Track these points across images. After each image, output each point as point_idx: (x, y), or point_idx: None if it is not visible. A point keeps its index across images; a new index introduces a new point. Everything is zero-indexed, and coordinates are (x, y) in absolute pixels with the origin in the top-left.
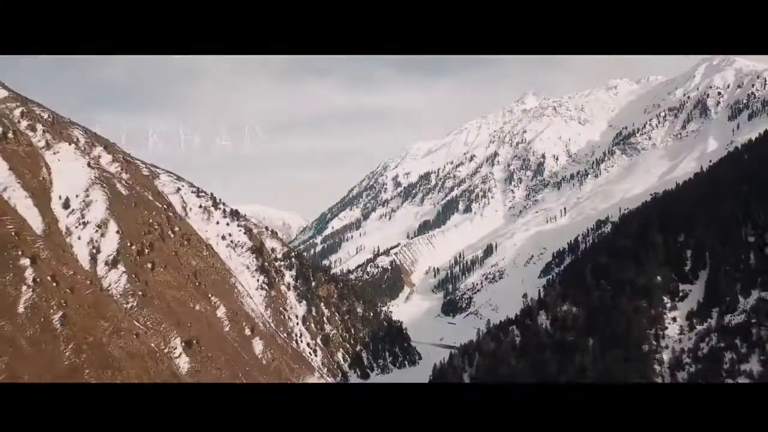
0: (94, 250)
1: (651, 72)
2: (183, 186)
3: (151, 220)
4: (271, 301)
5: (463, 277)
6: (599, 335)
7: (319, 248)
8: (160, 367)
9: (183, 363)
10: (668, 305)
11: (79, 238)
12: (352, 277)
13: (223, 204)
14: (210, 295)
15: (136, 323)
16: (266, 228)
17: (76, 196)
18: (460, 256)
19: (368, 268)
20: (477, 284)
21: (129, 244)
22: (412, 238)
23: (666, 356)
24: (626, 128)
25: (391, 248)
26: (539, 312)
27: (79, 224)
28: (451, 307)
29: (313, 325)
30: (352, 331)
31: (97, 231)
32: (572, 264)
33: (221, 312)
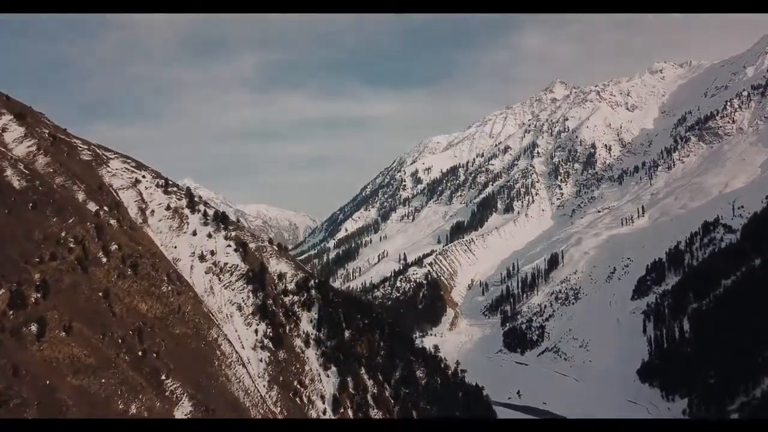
0: None
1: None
2: (144, 177)
3: (64, 234)
4: (280, 371)
5: (524, 296)
6: None
7: (333, 254)
8: None
9: None
10: None
11: None
12: (378, 294)
13: (205, 204)
14: (164, 377)
15: None
16: (269, 241)
17: None
18: (513, 268)
19: (398, 283)
20: (545, 306)
21: None
22: (446, 244)
23: None
24: (690, 113)
25: (424, 257)
26: None
27: None
28: (516, 340)
29: (351, 412)
30: (414, 415)
31: None
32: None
33: (185, 410)
